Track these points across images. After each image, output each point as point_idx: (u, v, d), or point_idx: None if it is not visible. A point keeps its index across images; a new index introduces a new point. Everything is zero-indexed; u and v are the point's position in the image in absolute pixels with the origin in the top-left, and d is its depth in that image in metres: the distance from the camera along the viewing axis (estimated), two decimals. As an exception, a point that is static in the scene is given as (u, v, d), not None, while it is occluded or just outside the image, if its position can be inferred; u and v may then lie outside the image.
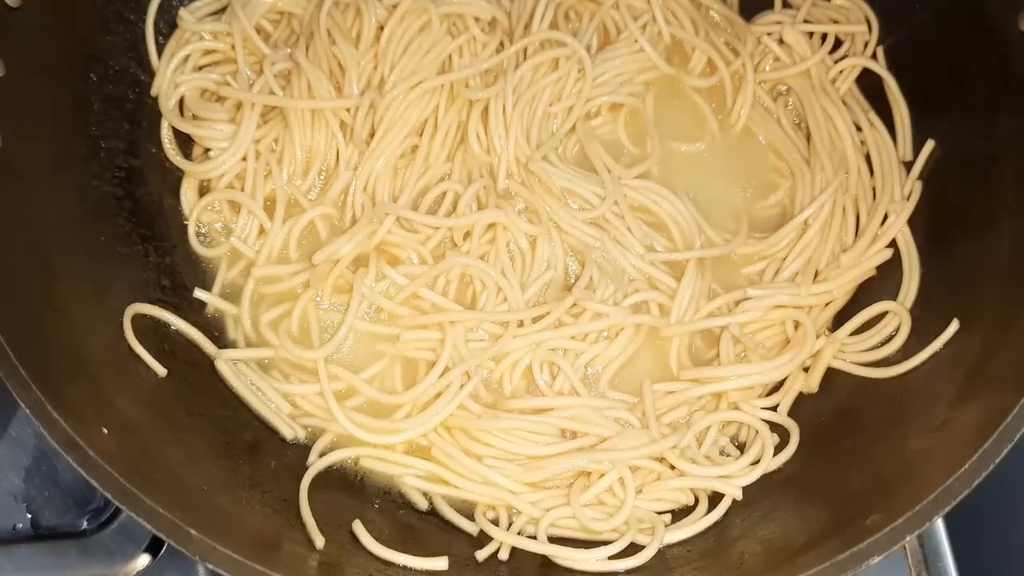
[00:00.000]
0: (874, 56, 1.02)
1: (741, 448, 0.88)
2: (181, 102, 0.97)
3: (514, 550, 0.82)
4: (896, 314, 0.90)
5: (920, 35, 0.98)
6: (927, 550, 0.93)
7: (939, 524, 0.93)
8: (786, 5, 1.06)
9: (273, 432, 0.87)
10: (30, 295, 0.74)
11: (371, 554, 0.77)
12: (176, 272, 0.92)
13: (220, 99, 0.97)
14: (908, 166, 0.97)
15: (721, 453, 0.88)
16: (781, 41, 1.03)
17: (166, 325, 0.87)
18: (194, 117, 0.96)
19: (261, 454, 0.84)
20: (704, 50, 1.01)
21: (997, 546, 0.96)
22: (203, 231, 0.95)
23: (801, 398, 0.90)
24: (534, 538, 0.82)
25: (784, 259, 0.94)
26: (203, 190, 0.96)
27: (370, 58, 0.95)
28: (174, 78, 0.96)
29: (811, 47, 1.02)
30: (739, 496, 0.84)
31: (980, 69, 0.90)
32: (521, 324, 0.89)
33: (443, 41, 0.96)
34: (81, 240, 0.84)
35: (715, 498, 0.85)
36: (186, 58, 0.97)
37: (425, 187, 0.95)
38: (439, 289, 0.91)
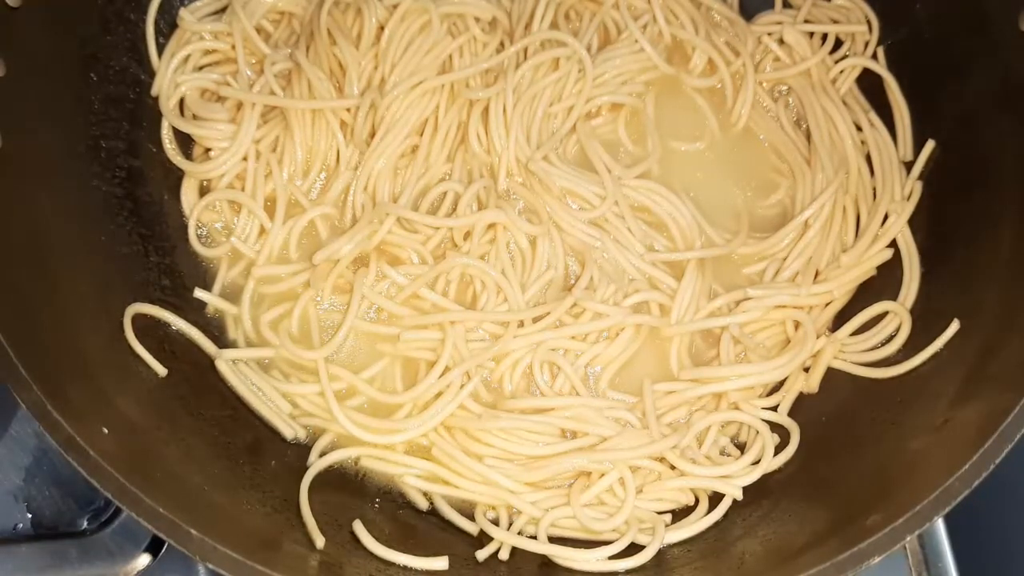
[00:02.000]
0: (874, 56, 1.02)
1: (741, 448, 0.88)
2: (181, 102, 0.97)
3: (514, 550, 0.82)
4: (896, 314, 0.90)
5: (920, 35, 0.98)
6: (927, 550, 0.93)
7: (939, 524, 0.93)
8: (786, 5, 1.07)
9: (273, 432, 0.87)
10: (30, 295, 0.74)
11: (371, 554, 0.77)
12: (176, 272, 0.92)
13: (220, 99, 0.97)
14: (908, 166, 0.97)
15: (721, 453, 0.88)
16: (781, 41, 1.03)
17: (166, 325, 0.87)
18: (194, 117, 0.96)
19: (261, 454, 0.84)
20: (704, 50, 1.01)
21: (997, 546, 0.96)
22: (203, 231, 0.95)
23: (801, 398, 0.90)
24: (534, 538, 0.82)
25: (784, 259, 0.94)
26: (203, 190, 0.96)
27: (370, 58, 0.96)
28: (174, 78, 0.96)
29: (811, 47, 1.03)
30: (739, 496, 0.84)
31: (980, 69, 0.90)
32: (521, 324, 0.89)
33: (443, 41, 0.96)
34: (81, 240, 0.84)
35: (715, 498, 0.85)
36: (186, 58, 0.97)
37: (425, 187, 0.95)
38: (439, 289, 0.91)
